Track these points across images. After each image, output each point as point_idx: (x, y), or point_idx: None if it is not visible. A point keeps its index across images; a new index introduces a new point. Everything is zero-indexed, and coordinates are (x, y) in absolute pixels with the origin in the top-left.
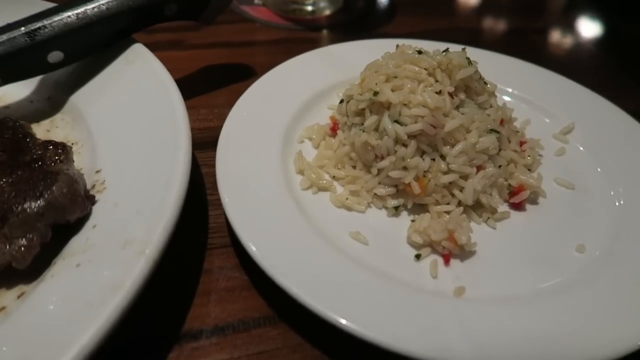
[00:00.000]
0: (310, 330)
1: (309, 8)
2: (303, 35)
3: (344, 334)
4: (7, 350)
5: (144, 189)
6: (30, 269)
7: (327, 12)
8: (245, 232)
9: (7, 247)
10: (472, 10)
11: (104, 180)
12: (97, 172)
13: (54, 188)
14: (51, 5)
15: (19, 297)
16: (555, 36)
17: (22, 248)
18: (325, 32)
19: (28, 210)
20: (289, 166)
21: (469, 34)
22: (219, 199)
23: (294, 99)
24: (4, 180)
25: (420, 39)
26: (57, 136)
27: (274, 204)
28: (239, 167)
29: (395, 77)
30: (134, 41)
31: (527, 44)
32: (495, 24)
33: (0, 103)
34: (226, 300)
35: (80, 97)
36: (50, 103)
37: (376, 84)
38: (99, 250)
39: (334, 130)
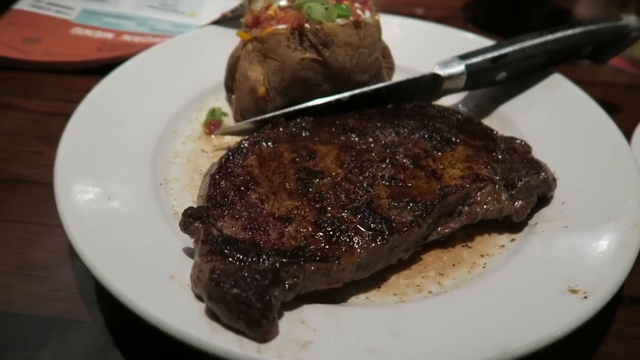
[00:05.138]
0: None
1: None
2: None
3: None
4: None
5: (601, 183)
6: (519, 224)
7: None
8: None
9: (513, 204)
10: None
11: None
12: None
13: (547, 172)
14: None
15: (511, 240)
16: None
17: (522, 207)
18: None
19: (532, 182)
20: None
21: None
22: None
23: None
24: (489, 158)
25: None
26: None
27: None
28: None
29: None
30: (552, 71)
31: None
32: None
33: None
34: None
35: (508, 108)
36: (478, 110)
37: None
38: (580, 219)
39: None
